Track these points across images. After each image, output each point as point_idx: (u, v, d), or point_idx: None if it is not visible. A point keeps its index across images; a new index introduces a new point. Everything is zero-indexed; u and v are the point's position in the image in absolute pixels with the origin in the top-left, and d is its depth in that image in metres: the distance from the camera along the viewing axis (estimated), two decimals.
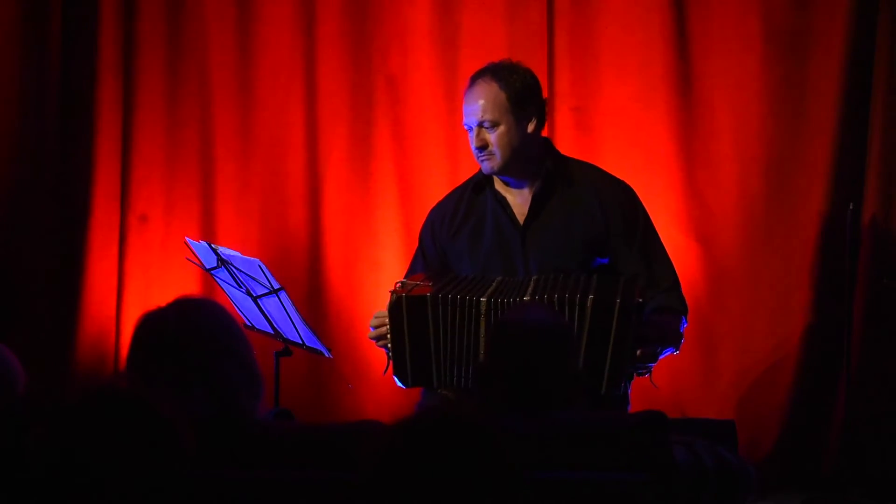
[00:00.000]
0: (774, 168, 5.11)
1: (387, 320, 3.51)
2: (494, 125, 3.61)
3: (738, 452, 2.87)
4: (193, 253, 4.32)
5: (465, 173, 4.01)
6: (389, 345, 3.51)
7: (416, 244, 3.95)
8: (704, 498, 2.61)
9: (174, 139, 5.40)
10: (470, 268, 3.71)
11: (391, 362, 3.53)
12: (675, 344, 3.58)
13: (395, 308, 3.47)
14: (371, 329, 3.61)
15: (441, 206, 3.86)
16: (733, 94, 5.12)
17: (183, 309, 2.52)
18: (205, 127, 5.39)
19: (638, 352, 3.43)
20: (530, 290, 3.42)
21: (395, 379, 3.53)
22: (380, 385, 5.09)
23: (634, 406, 3.61)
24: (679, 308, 3.66)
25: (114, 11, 5.36)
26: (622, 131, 5.16)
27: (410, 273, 3.84)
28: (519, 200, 3.71)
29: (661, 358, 3.57)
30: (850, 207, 4.85)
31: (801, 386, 5.08)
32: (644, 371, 3.53)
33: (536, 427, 2.54)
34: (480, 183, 3.75)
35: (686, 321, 3.66)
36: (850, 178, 5.04)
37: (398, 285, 3.53)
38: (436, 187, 4.98)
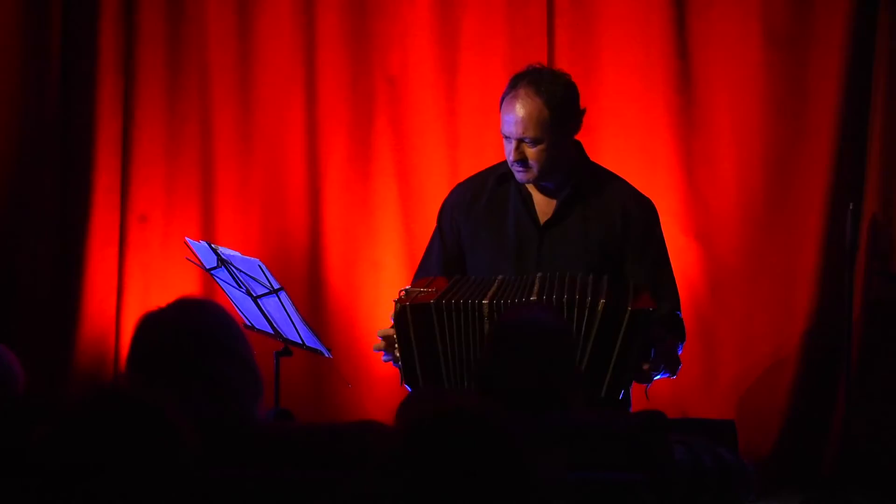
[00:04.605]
0: (774, 168, 5.12)
1: (390, 333, 3.49)
2: (536, 142, 3.56)
3: (738, 452, 2.87)
4: (193, 253, 4.32)
5: (465, 172, 4.01)
6: (398, 353, 3.49)
7: (416, 244, 3.94)
8: (704, 498, 2.62)
9: (174, 139, 5.40)
10: (482, 258, 3.70)
11: (401, 371, 3.51)
12: (672, 369, 3.57)
13: (400, 318, 3.45)
14: (382, 352, 3.57)
15: (462, 188, 3.80)
16: (733, 94, 5.13)
17: (183, 309, 2.52)
18: (205, 127, 5.39)
19: (645, 366, 3.43)
20: (536, 289, 3.42)
21: (407, 387, 3.52)
22: (380, 385, 5.10)
23: (634, 406, 3.60)
24: (679, 333, 3.65)
25: (114, 11, 5.36)
26: (622, 131, 5.16)
27: (427, 256, 3.82)
28: (544, 201, 3.68)
29: (656, 379, 3.56)
30: (850, 207, 4.86)
31: (801, 386, 5.08)
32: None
33: (536, 427, 2.54)
34: (506, 175, 3.70)
35: (682, 348, 3.65)
36: (850, 178, 5.05)
37: (402, 294, 3.51)
38: (436, 187, 4.98)
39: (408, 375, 3.48)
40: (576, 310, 3.34)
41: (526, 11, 5.21)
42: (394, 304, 3.47)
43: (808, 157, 5.09)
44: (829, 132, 5.05)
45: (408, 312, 3.44)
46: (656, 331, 3.45)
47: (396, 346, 3.48)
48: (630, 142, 5.15)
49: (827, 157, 5.05)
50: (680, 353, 3.62)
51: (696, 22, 5.15)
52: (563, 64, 5.14)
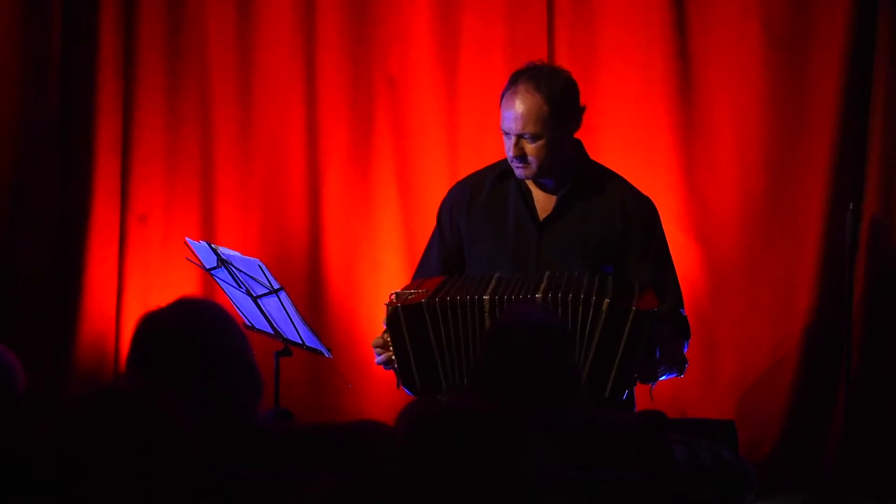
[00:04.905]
0: (774, 168, 5.12)
1: (387, 338, 3.49)
2: (536, 138, 3.56)
3: (738, 452, 2.87)
4: (193, 253, 4.32)
5: (465, 172, 4.00)
6: (393, 357, 3.48)
7: (416, 244, 3.94)
8: (704, 497, 2.62)
9: (174, 139, 5.41)
10: (481, 255, 3.69)
11: (398, 374, 3.50)
12: (680, 368, 3.57)
13: (392, 320, 3.45)
14: (377, 355, 3.57)
15: (462, 186, 3.80)
16: (733, 94, 5.13)
17: (183, 309, 2.52)
18: (205, 127, 5.39)
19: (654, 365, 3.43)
20: (543, 286, 3.41)
21: (405, 388, 3.51)
22: (380, 385, 5.09)
23: (638, 407, 3.60)
24: (684, 331, 3.66)
25: (114, 11, 5.37)
26: (622, 131, 5.16)
27: (427, 255, 3.81)
28: (544, 198, 3.68)
29: (662, 379, 3.56)
30: (850, 207, 4.85)
31: (801, 386, 5.08)
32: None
33: (536, 427, 2.54)
34: (507, 172, 3.70)
35: (687, 345, 3.65)
36: (850, 178, 5.05)
37: (393, 297, 3.50)
38: (436, 187, 4.98)
39: (405, 378, 3.47)
40: (580, 309, 3.34)
41: (526, 11, 5.21)
42: (385, 307, 3.47)
43: (808, 157, 5.08)
44: (829, 132, 5.05)
45: (400, 314, 3.44)
46: (661, 330, 3.45)
47: (391, 349, 3.47)
48: (630, 142, 5.15)
49: (827, 158, 5.05)
50: (686, 350, 3.63)
51: (696, 22, 5.15)
52: (562, 63, 5.12)
